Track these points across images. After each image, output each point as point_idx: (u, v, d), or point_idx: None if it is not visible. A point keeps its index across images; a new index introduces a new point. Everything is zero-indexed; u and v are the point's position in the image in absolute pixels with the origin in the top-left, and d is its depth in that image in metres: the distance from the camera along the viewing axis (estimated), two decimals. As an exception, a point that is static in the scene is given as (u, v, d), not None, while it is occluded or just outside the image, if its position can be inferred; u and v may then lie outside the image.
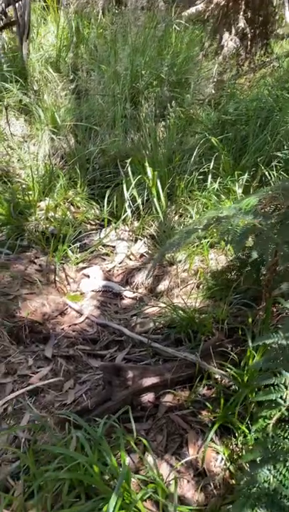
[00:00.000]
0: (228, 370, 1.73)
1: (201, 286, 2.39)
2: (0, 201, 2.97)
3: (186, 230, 1.83)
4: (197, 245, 2.62)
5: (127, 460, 1.45)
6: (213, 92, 3.52)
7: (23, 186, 3.29)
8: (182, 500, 1.38)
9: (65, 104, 4.11)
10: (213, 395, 1.74)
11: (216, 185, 2.88)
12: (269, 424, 1.23)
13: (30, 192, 3.21)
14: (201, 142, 3.23)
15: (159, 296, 2.47)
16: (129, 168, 2.99)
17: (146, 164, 2.87)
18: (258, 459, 1.22)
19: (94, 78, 4.45)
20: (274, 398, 1.26)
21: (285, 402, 1.23)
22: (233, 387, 1.74)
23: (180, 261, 2.65)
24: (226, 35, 2.69)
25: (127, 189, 2.95)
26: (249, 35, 2.75)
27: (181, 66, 4.41)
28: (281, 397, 1.24)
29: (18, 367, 1.85)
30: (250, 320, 1.82)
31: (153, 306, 2.34)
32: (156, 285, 2.56)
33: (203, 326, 2.03)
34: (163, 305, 2.29)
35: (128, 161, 3.03)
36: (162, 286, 2.53)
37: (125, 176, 3.03)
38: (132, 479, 1.38)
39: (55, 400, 1.70)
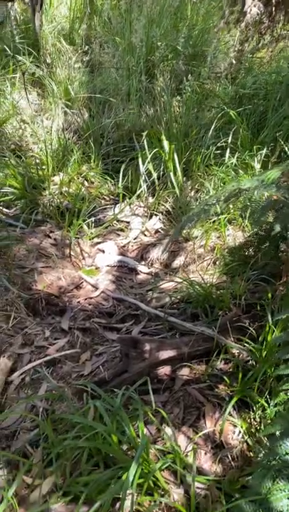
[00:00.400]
0: (246, 344, 1.71)
1: (217, 263, 2.36)
2: (14, 175, 2.94)
3: (205, 203, 1.78)
4: (214, 221, 2.57)
5: (145, 431, 1.45)
6: (234, 62, 3.40)
7: (37, 161, 3.25)
8: (200, 471, 1.38)
9: (79, 78, 4.02)
10: (231, 370, 1.73)
11: (233, 160, 2.81)
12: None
13: (44, 166, 3.17)
14: (218, 116, 3.15)
15: (174, 271, 2.44)
16: (144, 142, 2.92)
17: (163, 137, 2.80)
18: (278, 432, 1.21)
19: (108, 51, 4.34)
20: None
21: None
22: (251, 362, 1.72)
23: (196, 237, 2.62)
24: (250, 0, 2.57)
25: (143, 163, 2.89)
26: (273, 1, 2.62)
27: (197, 38, 4.28)
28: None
29: (35, 338, 1.85)
30: (269, 295, 1.79)
31: (169, 282, 2.32)
32: (171, 261, 2.53)
33: (220, 301, 2.01)
34: (179, 280, 2.27)
35: (144, 134, 2.96)
36: (178, 261, 2.50)
37: (141, 149, 2.97)
38: (150, 450, 1.38)
39: (73, 371, 1.70)
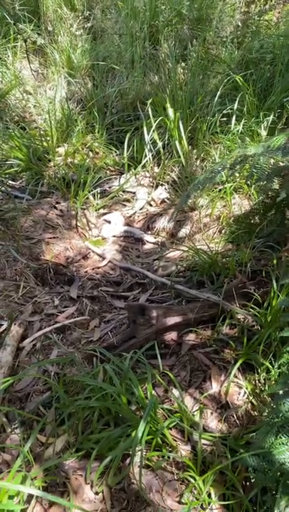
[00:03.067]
0: (251, 310, 1.75)
1: (223, 231, 2.37)
2: (19, 146, 2.93)
3: (210, 170, 1.78)
4: (220, 190, 2.56)
5: (153, 392, 1.51)
6: (240, 25, 3.31)
7: (41, 132, 3.23)
8: (206, 430, 1.44)
9: (81, 45, 3.93)
10: (236, 335, 1.77)
11: (239, 127, 2.78)
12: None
13: (48, 138, 3.15)
14: (224, 82, 3.08)
15: (180, 241, 2.46)
16: (149, 110, 2.88)
17: (168, 105, 2.76)
18: (281, 391, 1.25)
19: (110, 16, 4.22)
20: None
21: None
22: (256, 326, 1.76)
23: (202, 206, 2.62)
24: None
25: (148, 132, 2.86)
26: None
27: (202, 1, 4.13)
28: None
29: (45, 306, 1.89)
30: (274, 261, 1.81)
31: (175, 251, 2.34)
32: (177, 230, 2.54)
33: (225, 268, 2.03)
34: (185, 249, 2.28)
35: (148, 102, 2.91)
36: (184, 231, 2.51)
37: (145, 118, 2.93)
38: (158, 410, 1.44)
39: (82, 337, 1.75)
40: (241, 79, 2.96)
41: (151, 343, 1.63)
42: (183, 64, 3.66)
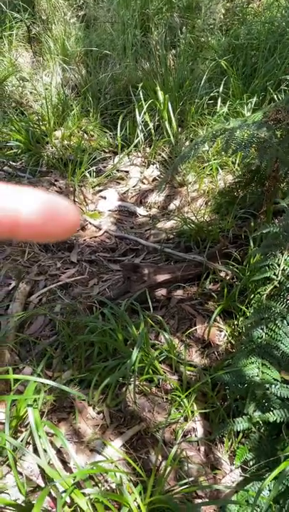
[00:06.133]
0: (231, 267, 1.97)
1: (209, 203, 2.59)
2: (19, 129, 3.12)
3: (195, 142, 2.00)
4: (206, 167, 2.78)
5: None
6: (227, 12, 3.50)
7: (38, 117, 3.42)
8: (191, 364, 1.67)
9: (75, 33, 4.10)
10: (219, 289, 2.00)
11: (225, 109, 2.98)
12: (263, 296, 1.48)
13: (45, 122, 3.34)
14: (211, 67, 3.28)
15: (170, 213, 2.68)
16: (141, 93, 3.08)
17: (158, 88, 2.96)
18: (253, 323, 1.48)
19: (102, 5, 4.39)
20: (268, 275, 1.50)
21: (277, 277, 1.47)
22: (237, 282, 1.99)
23: (190, 182, 2.83)
24: None
25: (139, 114, 3.06)
26: None
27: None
28: (274, 274, 1.48)
29: (49, 269, 2.11)
30: (252, 224, 2.03)
31: (165, 221, 2.56)
32: (167, 204, 2.76)
33: (210, 234, 2.26)
34: (174, 220, 2.50)
35: (140, 85, 3.11)
36: (173, 204, 2.73)
37: (137, 101, 3.13)
38: (150, 347, 1.67)
39: (83, 293, 1.97)
40: (227, 63, 3.16)
41: (142, 291, 1.85)
42: (173, 51, 3.85)
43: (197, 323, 1.85)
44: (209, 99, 3.15)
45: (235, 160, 2.78)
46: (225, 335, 1.78)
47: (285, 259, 1.46)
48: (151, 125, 3.06)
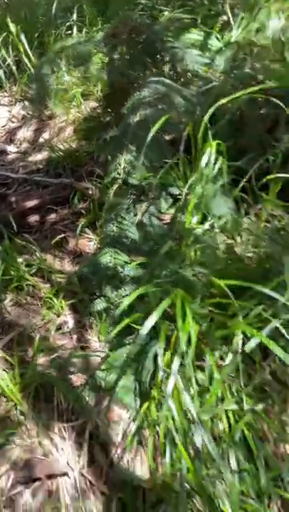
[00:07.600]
0: (94, 183, 2.09)
1: (76, 130, 2.64)
2: None
3: (40, 62, 2.02)
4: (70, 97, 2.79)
5: (20, 259, 1.81)
6: None
7: None
8: (62, 272, 1.79)
9: None
10: (87, 207, 2.11)
11: (82, 36, 2.97)
12: (110, 194, 1.62)
13: None
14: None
15: (41, 146, 2.69)
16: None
17: (8, 20, 2.86)
18: (105, 220, 1.62)
19: None
20: (114, 176, 1.63)
21: (120, 175, 1.61)
22: (102, 198, 2.11)
23: (58, 116, 2.84)
24: None
25: (-5, 49, 2.95)
26: None
27: None
28: (118, 173, 1.61)
29: None
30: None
31: (36, 154, 2.58)
32: (37, 137, 2.76)
33: (77, 159, 2.34)
34: (44, 151, 2.54)
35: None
36: (43, 137, 2.74)
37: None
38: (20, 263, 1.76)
39: None
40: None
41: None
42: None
43: (69, 238, 1.96)
44: (67, 30, 3.11)
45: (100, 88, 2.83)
46: (94, 244, 1.92)
47: (125, 159, 1.60)
48: (9, 60, 2.96)
